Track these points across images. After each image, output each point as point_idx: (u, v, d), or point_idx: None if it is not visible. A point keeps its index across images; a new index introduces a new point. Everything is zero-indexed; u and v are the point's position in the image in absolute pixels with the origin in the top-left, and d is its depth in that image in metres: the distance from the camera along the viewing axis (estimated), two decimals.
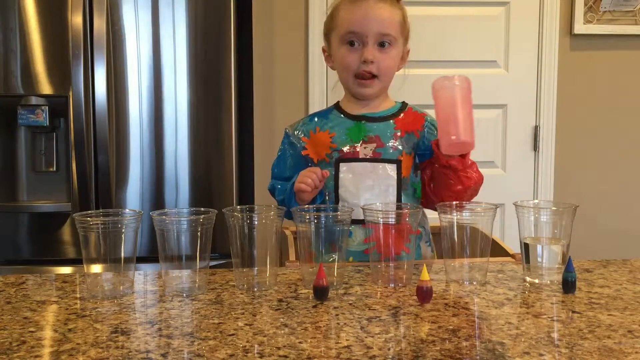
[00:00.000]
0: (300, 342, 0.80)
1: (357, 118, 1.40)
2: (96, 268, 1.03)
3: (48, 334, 0.85)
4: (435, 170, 1.32)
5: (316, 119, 1.44)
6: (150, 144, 2.06)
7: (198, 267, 1.03)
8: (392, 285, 1.06)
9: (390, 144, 1.36)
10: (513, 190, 2.53)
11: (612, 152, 2.68)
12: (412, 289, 1.03)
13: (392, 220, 1.07)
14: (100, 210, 1.10)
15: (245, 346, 0.79)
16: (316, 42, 2.49)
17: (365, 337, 0.82)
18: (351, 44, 1.36)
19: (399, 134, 1.37)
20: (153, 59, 2.05)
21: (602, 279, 1.11)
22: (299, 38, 2.53)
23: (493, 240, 1.18)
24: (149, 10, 2.04)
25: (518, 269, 1.17)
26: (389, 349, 0.78)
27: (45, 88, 2.01)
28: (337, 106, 1.45)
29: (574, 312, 0.93)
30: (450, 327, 0.86)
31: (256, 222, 1.03)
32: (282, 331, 0.84)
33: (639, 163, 2.70)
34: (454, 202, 1.14)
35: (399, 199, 1.34)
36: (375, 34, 1.34)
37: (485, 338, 0.82)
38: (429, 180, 1.38)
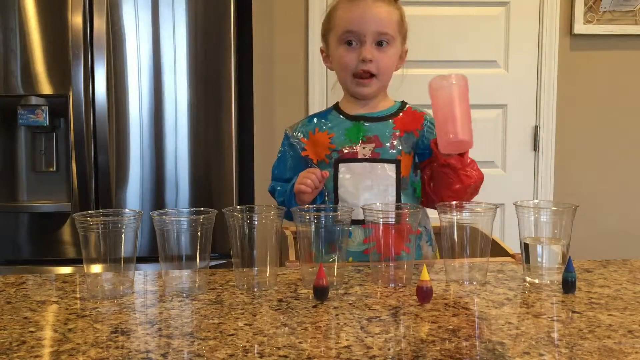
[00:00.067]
0: (300, 342, 0.80)
1: (356, 118, 1.40)
2: (96, 268, 1.03)
3: (48, 334, 0.85)
4: (435, 170, 1.32)
5: (315, 120, 1.44)
6: (150, 144, 2.06)
7: (198, 267, 1.03)
8: (392, 285, 1.06)
9: (389, 143, 1.36)
10: (513, 190, 2.53)
11: (612, 152, 2.68)
12: (412, 289, 1.03)
13: (392, 220, 1.07)
14: (100, 210, 1.10)
15: (245, 346, 0.79)
16: (316, 42, 2.48)
17: (365, 337, 0.82)
18: (349, 43, 1.36)
19: (397, 133, 1.37)
20: (153, 59, 2.05)
21: (602, 279, 1.11)
22: (299, 38, 2.53)
23: (493, 240, 1.18)
24: (149, 10, 2.04)
25: (518, 269, 1.17)
26: (389, 349, 0.78)
27: (45, 88, 2.01)
28: (336, 107, 1.45)
29: (574, 312, 0.93)
30: (450, 327, 0.86)
31: (256, 222, 1.03)
32: (282, 331, 0.84)
33: (639, 163, 2.70)
34: (454, 202, 1.14)
35: (398, 199, 1.34)
36: (373, 33, 1.34)
37: (485, 338, 0.82)
38: (429, 179, 1.38)
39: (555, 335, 0.83)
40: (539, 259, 1.10)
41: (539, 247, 1.09)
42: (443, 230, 1.10)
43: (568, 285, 1.02)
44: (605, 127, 2.66)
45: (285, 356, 0.76)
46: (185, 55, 2.05)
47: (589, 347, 0.78)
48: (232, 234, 1.04)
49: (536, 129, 2.63)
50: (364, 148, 1.36)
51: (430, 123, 1.39)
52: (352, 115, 1.41)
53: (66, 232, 2.09)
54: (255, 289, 1.04)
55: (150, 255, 1.89)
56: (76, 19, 1.96)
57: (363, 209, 1.09)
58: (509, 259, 1.25)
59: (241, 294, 1.02)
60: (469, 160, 1.29)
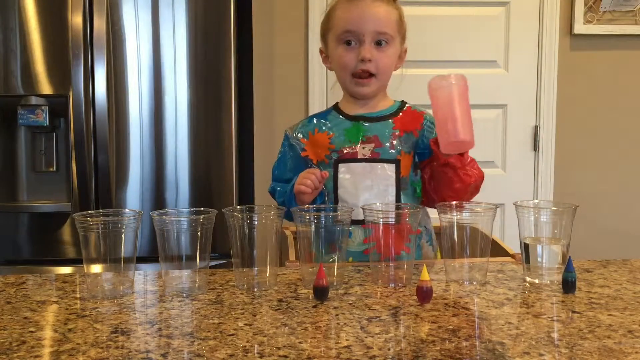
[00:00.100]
0: (300, 342, 0.80)
1: (355, 118, 1.40)
2: (96, 268, 1.03)
3: (48, 334, 0.85)
4: (435, 169, 1.32)
5: (315, 120, 1.44)
6: (150, 144, 2.06)
7: (198, 267, 1.03)
8: (392, 285, 1.06)
9: (388, 143, 1.36)
10: (513, 190, 2.53)
11: (612, 152, 2.68)
12: (412, 289, 1.03)
13: (392, 220, 1.07)
14: (100, 210, 1.10)
15: (245, 346, 0.79)
16: (316, 42, 2.48)
17: (365, 337, 0.82)
18: (348, 43, 1.36)
19: (397, 133, 1.37)
20: (153, 59, 2.05)
21: (602, 279, 1.11)
22: (299, 38, 2.54)
23: (493, 240, 1.18)
24: (149, 10, 2.04)
25: (518, 269, 1.17)
26: (389, 349, 0.78)
27: (45, 88, 2.01)
28: (335, 107, 1.46)
29: (574, 312, 0.93)
30: (450, 327, 0.86)
31: (256, 222, 1.03)
32: (282, 331, 0.84)
33: (639, 163, 2.70)
34: (454, 202, 1.14)
35: (398, 199, 1.34)
36: (372, 32, 1.34)
37: (485, 338, 0.82)
38: (429, 179, 1.37)
39: (555, 335, 0.83)
40: (539, 259, 1.10)
41: (539, 247, 1.09)
42: (443, 230, 1.10)
43: (568, 285, 1.02)
44: (605, 127, 2.66)
45: (285, 356, 0.76)
46: (185, 55, 2.05)
47: (589, 347, 0.78)
48: (232, 234, 1.04)
49: (536, 129, 2.63)
50: (363, 148, 1.36)
51: (430, 122, 1.39)
52: (351, 116, 1.41)
53: (66, 232, 2.09)
54: (255, 289, 1.04)
55: (150, 255, 1.89)
56: (76, 19, 1.96)
57: (363, 209, 1.09)
58: (509, 259, 1.25)
59: (241, 294, 1.02)
60: (469, 159, 1.29)
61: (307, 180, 1.27)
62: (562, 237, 1.08)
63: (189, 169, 2.09)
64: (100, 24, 1.98)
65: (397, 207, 1.16)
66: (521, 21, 2.58)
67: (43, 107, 2.00)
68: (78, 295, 1.03)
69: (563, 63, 2.60)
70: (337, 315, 0.91)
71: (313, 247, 1.05)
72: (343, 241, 1.06)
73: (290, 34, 2.53)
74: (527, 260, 1.10)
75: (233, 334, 0.83)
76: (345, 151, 1.36)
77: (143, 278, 1.14)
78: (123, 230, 1.01)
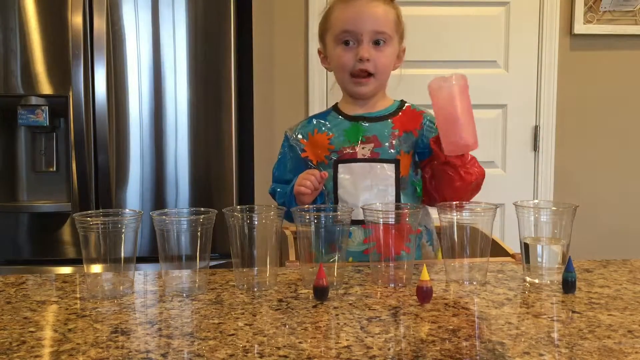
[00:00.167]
0: (300, 342, 0.80)
1: (355, 119, 1.40)
2: (96, 268, 1.03)
3: (48, 334, 0.85)
4: (436, 168, 1.32)
5: (314, 121, 1.44)
6: (150, 144, 2.06)
7: (198, 267, 1.03)
8: (392, 285, 1.06)
9: (388, 143, 1.36)
10: (513, 190, 2.53)
11: (612, 152, 2.68)
12: (412, 289, 1.03)
13: (391, 220, 1.07)
14: (100, 210, 1.10)
15: (245, 346, 0.79)
16: (316, 42, 2.45)
17: (365, 337, 0.82)
18: (346, 43, 1.36)
19: (396, 133, 1.37)
20: (153, 59, 2.05)
21: (602, 279, 1.11)
22: (299, 38, 2.53)
23: (493, 240, 1.18)
24: (149, 10, 2.04)
25: (518, 269, 1.17)
26: (389, 349, 0.78)
27: (45, 88, 2.01)
28: (335, 107, 1.46)
29: (574, 312, 0.93)
30: (450, 327, 0.86)
31: (256, 222, 1.03)
32: (282, 331, 0.84)
33: (639, 163, 2.70)
34: (454, 202, 1.14)
35: (397, 199, 1.34)
36: (370, 32, 1.34)
37: (485, 338, 0.82)
38: (430, 178, 1.37)
39: (555, 335, 0.83)
40: (539, 259, 1.10)
41: (539, 247, 1.09)
42: (443, 230, 1.10)
43: (568, 285, 1.02)
44: (606, 127, 2.66)
45: (285, 356, 0.76)
46: (185, 55, 2.05)
47: (589, 347, 0.78)
48: (232, 234, 1.04)
49: (536, 129, 2.63)
50: (363, 148, 1.36)
51: (430, 122, 1.39)
52: (350, 116, 1.41)
53: (66, 232, 2.09)
54: (255, 289, 1.04)
55: (150, 255, 1.89)
56: (76, 19, 1.96)
57: (363, 209, 1.09)
58: (509, 259, 1.25)
59: (241, 294, 1.02)
60: (469, 157, 1.29)
61: (307, 182, 1.27)
62: (562, 237, 1.08)
63: (189, 169, 2.09)
64: (100, 24, 1.98)
65: (397, 207, 1.16)
66: (521, 21, 2.58)
67: (43, 107, 2.00)
68: (78, 295, 1.03)
69: (563, 63, 2.60)
70: (337, 315, 0.91)
71: (313, 247, 1.05)
72: (343, 241, 1.06)
73: (290, 34, 2.53)
74: (527, 260, 1.10)
75: (233, 334, 0.83)
76: (344, 151, 1.36)
77: (143, 278, 1.14)
78: (123, 230, 1.01)
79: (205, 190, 2.11)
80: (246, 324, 0.87)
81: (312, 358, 0.75)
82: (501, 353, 0.77)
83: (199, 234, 1.01)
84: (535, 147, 2.63)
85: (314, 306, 0.95)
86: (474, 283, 1.08)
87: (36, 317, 0.92)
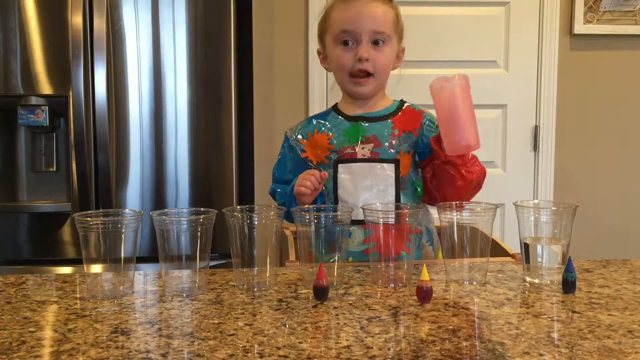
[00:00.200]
0: (300, 342, 0.80)
1: (354, 119, 1.40)
2: (96, 268, 1.03)
3: (48, 334, 0.85)
4: (436, 167, 1.32)
5: (314, 122, 1.44)
6: (150, 144, 2.06)
7: (198, 267, 1.03)
8: (392, 285, 1.06)
9: (387, 143, 1.36)
10: (513, 190, 2.53)
11: (612, 152, 2.68)
12: (412, 289, 1.03)
13: (391, 220, 1.07)
14: (100, 210, 1.10)
15: (245, 346, 0.79)
16: (316, 42, 2.46)
17: (365, 337, 0.82)
18: (345, 43, 1.36)
19: (396, 133, 1.37)
20: (153, 59, 2.05)
21: (602, 279, 1.11)
22: (299, 38, 2.54)
23: (493, 240, 1.18)
24: (149, 10, 2.04)
25: (518, 269, 1.17)
26: (389, 349, 0.78)
27: (45, 88, 2.01)
28: (335, 108, 1.46)
29: (574, 312, 0.93)
30: (450, 327, 0.86)
31: (256, 222, 1.03)
32: (282, 331, 0.84)
33: (639, 163, 2.70)
34: (454, 202, 1.14)
35: (397, 199, 1.34)
36: (369, 32, 1.34)
37: (485, 338, 0.82)
38: (431, 177, 1.37)
39: (555, 335, 0.83)
40: (539, 259, 1.10)
41: (539, 247, 1.09)
42: (443, 230, 1.10)
43: (568, 285, 1.02)
44: (605, 127, 2.66)
45: (285, 356, 0.76)
46: (185, 55, 2.05)
47: (589, 347, 0.78)
48: (232, 234, 1.04)
49: (536, 129, 2.63)
50: (363, 148, 1.36)
51: (429, 121, 1.39)
52: (350, 116, 1.41)
53: (66, 232, 2.09)
54: (255, 289, 1.04)
55: (150, 255, 1.89)
56: (76, 19, 1.96)
57: (363, 209, 1.09)
58: (509, 259, 1.25)
59: (241, 294, 1.02)
60: (470, 156, 1.29)
61: (307, 182, 1.27)
62: (562, 237, 1.08)
63: (189, 169, 2.09)
64: (100, 24, 1.98)
65: (397, 207, 1.16)
66: (521, 21, 2.58)
67: (43, 107, 2.00)
68: (78, 295, 1.03)
69: (563, 63, 2.60)
70: (337, 315, 0.91)
71: (313, 247, 1.05)
72: (343, 241, 1.06)
73: (290, 34, 2.53)
74: (527, 260, 1.10)
75: (233, 334, 0.83)
76: (344, 152, 1.36)
77: (143, 278, 1.14)
78: (123, 230, 1.01)
79: (205, 190, 2.11)
80: (246, 324, 0.87)
81: (312, 358, 0.75)
82: (501, 353, 0.77)
83: (199, 234, 1.01)
84: (535, 147, 2.63)
85: (314, 306, 0.95)
86: (474, 283, 1.08)
87: (36, 317, 0.92)
